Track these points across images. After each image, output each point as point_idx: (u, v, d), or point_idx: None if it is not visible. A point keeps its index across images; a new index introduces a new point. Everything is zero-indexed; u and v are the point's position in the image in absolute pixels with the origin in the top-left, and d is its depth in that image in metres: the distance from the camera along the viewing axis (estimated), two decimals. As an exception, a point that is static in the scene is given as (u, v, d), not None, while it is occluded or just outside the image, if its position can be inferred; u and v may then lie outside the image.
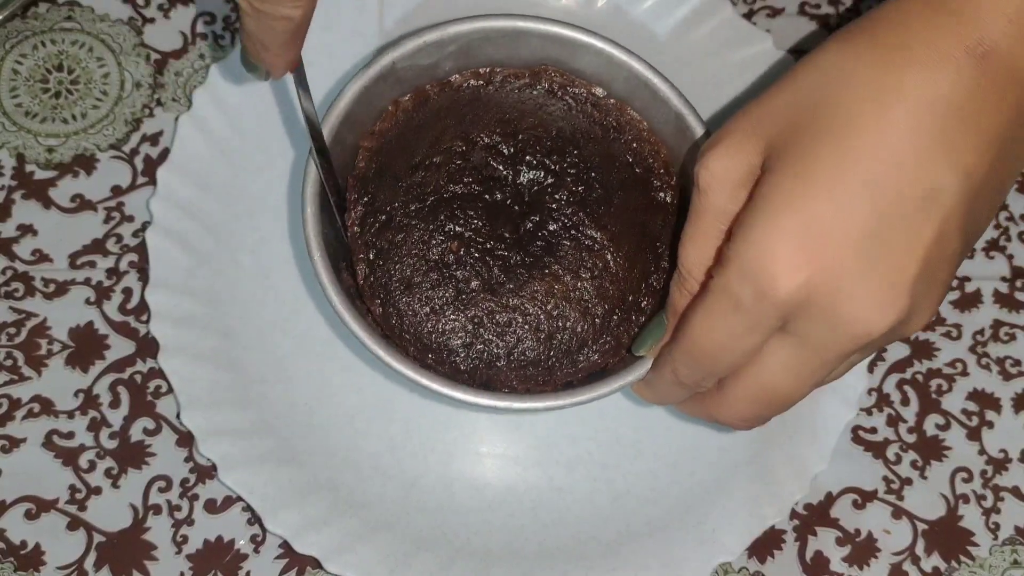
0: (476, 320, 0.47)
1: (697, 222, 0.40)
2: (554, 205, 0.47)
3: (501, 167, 0.48)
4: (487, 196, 0.47)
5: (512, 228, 0.47)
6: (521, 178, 0.48)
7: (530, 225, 0.47)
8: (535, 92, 0.49)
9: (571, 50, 0.48)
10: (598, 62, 0.48)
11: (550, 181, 0.48)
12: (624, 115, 0.49)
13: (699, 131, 0.47)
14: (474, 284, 0.47)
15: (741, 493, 0.50)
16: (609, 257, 0.47)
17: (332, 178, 0.46)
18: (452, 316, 0.46)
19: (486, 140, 0.48)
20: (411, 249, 0.47)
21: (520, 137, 0.48)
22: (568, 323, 0.47)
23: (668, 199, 0.49)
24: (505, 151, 0.48)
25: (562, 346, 0.47)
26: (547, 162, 0.48)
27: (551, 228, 0.47)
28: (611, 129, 0.49)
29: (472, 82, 0.49)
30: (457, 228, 0.47)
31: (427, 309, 0.46)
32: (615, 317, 0.47)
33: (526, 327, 0.47)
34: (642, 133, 0.49)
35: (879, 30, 0.38)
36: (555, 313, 0.47)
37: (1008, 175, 0.39)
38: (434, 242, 0.47)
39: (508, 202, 0.47)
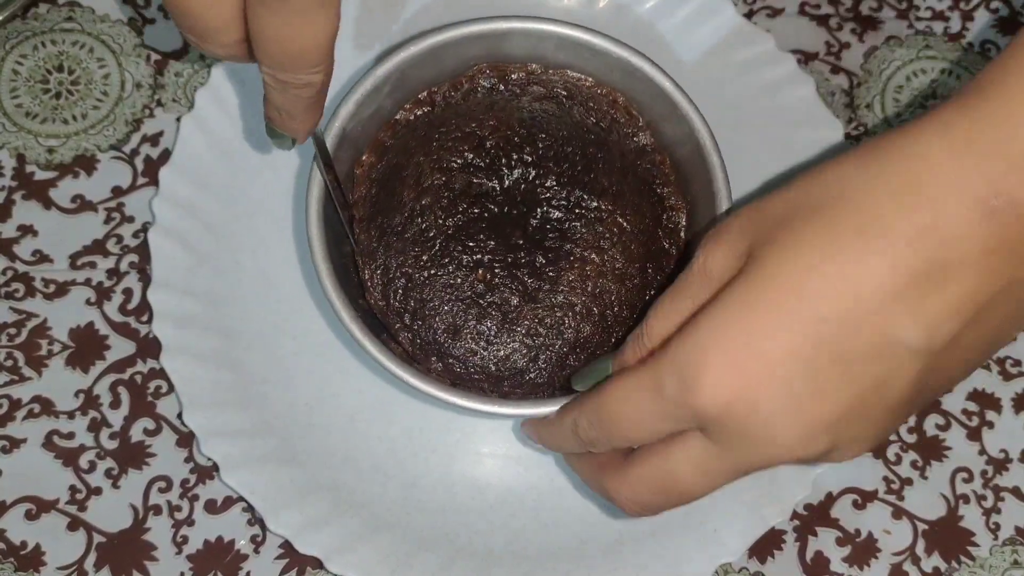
0: (532, 332, 0.47)
1: (675, 295, 0.39)
2: (548, 193, 0.48)
3: (485, 180, 0.48)
4: (485, 214, 0.47)
5: (521, 232, 0.47)
6: (506, 182, 0.48)
7: (535, 222, 0.47)
8: (478, 96, 0.49)
9: (498, 39, 0.48)
10: (525, 42, 0.49)
11: (533, 173, 0.48)
12: (566, 78, 0.49)
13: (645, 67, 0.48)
14: (514, 301, 0.47)
15: (742, 494, 0.50)
16: (620, 219, 0.47)
17: (342, 198, 0.46)
18: (509, 340, 0.47)
19: (458, 162, 0.48)
20: (443, 298, 0.47)
21: (488, 145, 0.48)
22: (612, 296, 0.47)
23: (644, 140, 0.49)
24: (481, 164, 0.48)
25: (617, 318, 0.47)
26: (524, 157, 0.48)
27: (556, 216, 0.47)
28: (563, 98, 0.49)
29: (417, 112, 0.49)
30: (474, 257, 0.47)
31: (483, 343, 0.47)
32: (648, 272, 0.48)
33: (578, 316, 0.47)
34: (591, 89, 0.49)
35: (892, 161, 0.35)
36: (597, 292, 0.47)
37: (992, 339, 0.37)
38: (460, 281, 0.47)
39: (506, 209, 0.47)
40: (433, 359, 0.47)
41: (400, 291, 0.47)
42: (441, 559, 0.49)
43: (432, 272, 0.47)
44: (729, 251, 0.38)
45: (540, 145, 0.48)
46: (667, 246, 0.48)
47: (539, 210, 0.47)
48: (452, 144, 0.48)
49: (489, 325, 0.47)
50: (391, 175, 0.48)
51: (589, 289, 0.47)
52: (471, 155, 0.48)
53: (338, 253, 0.46)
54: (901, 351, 0.35)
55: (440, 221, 0.47)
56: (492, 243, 0.47)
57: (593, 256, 0.47)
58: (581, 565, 0.49)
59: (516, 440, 0.51)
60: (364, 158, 0.48)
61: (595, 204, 0.47)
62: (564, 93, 0.49)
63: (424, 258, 0.47)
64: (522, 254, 0.47)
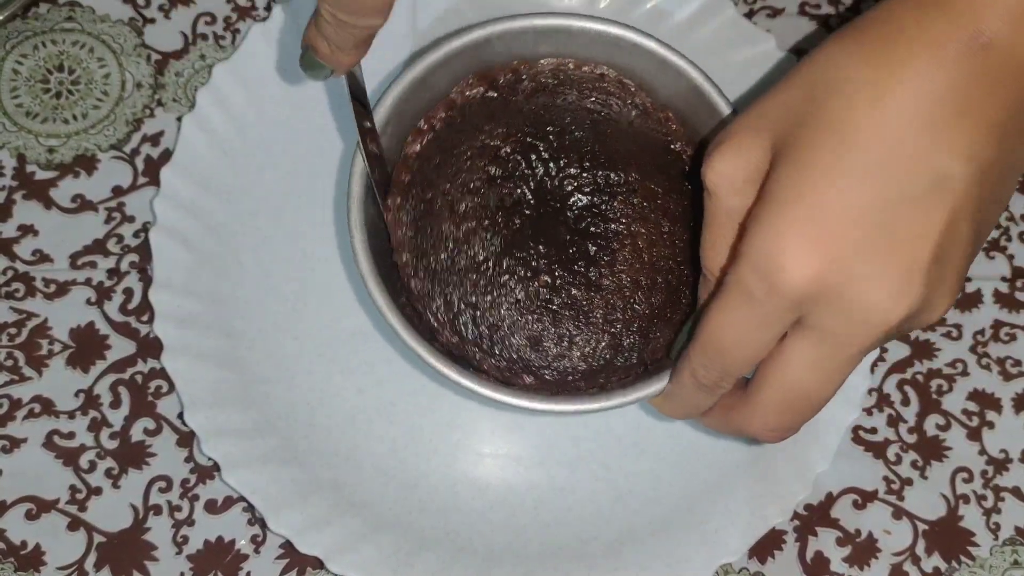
0: (608, 319, 0.46)
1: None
2: (576, 182, 0.47)
3: (514, 188, 0.47)
4: (526, 221, 0.47)
5: (565, 227, 0.47)
6: (533, 183, 0.47)
7: (573, 213, 0.47)
8: (474, 109, 0.49)
9: (478, 48, 0.48)
10: (504, 43, 0.49)
11: (555, 167, 0.47)
12: (551, 67, 0.49)
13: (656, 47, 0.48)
14: (581, 296, 0.46)
15: (743, 493, 0.50)
16: (650, 185, 0.47)
17: (382, 175, 0.46)
18: (590, 334, 0.47)
19: (483, 178, 0.47)
20: (513, 316, 0.46)
21: (504, 153, 0.47)
22: (669, 259, 0.47)
23: (642, 102, 0.49)
24: (505, 173, 0.47)
25: (681, 278, 0.47)
26: (541, 154, 0.47)
27: (591, 201, 0.47)
28: (554, 86, 0.49)
29: (422, 141, 0.49)
30: (530, 266, 0.46)
31: (566, 344, 0.46)
32: (693, 224, 0.47)
33: (645, 290, 0.47)
34: (576, 70, 0.49)
35: (877, 26, 0.38)
36: (654, 260, 0.47)
37: (1012, 167, 0.39)
38: (524, 294, 0.46)
39: (543, 211, 0.47)
40: (525, 376, 0.46)
41: (470, 322, 0.46)
42: (442, 558, 0.49)
43: (495, 294, 0.46)
44: (747, 155, 0.39)
45: (552, 138, 0.48)
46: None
47: (573, 200, 0.47)
48: (470, 163, 0.47)
49: (567, 326, 0.46)
50: (423, 213, 0.47)
51: (646, 260, 0.47)
52: (493, 168, 0.47)
53: (379, 251, 0.46)
54: (955, 185, 0.36)
55: (487, 242, 0.47)
56: (542, 247, 0.46)
57: (639, 228, 0.47)
58: (582, 564, 0.49)
59: (517, 440, 0.51)
60: (390, 201, 0.48)
61: (622, 178, 0.47)
62: (554, 82, 0.49)
63: (483, 283, 0.46)
64: (573, 249, 0.46)
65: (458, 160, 0.47)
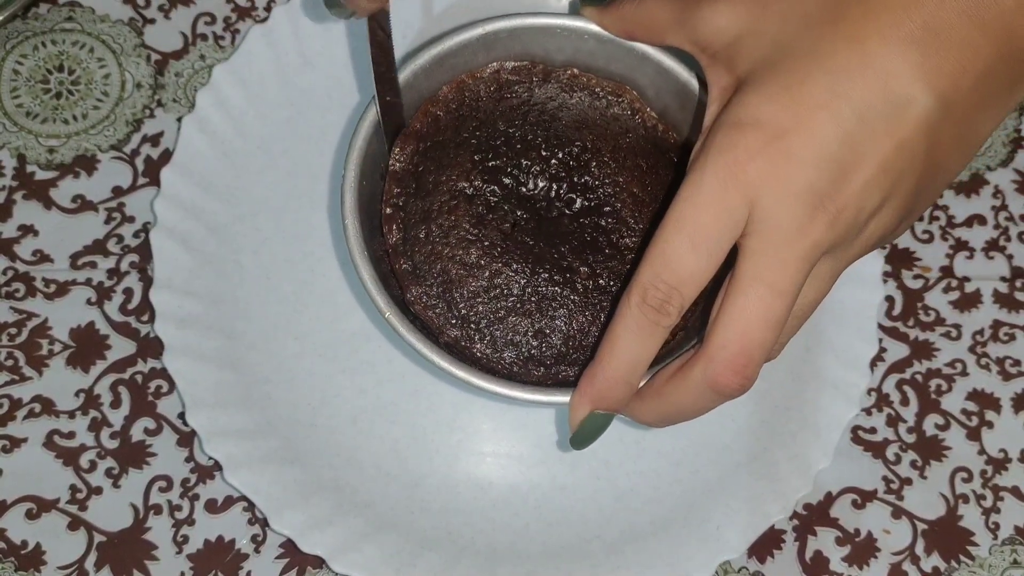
0: (607, 312, 0.46)
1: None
2: (570, 180, 0.47)
3: (511, 211, 0.47)
4: (521, 218, 0.47)
5: (562, 222, 0.47)
6: (536, 179, 0.47)
7: (571, 209, 0.47)
8: (446, 122, 0.48)
9: (452, 55, 0.48)
10: (475, 52, 0.48)
11: (549, 174, 0.48)
12: (513, 68, 0.49)
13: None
14: (572, 286, 0.46)
15: (744, 491, 0.50)
16: (633, 187, 0.47)
17: (396, 124, 0.46)
18: (591, 329, 0.47)
19: (480, 203, 0.47)
20: (512, 313, 0.46)
21: (494, 165, 0.47)
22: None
23: (606, 87, 0.49)
24: (498, 189, 0.47)
25: None
26: (533, 166, 0.48)
27: (585, 198, 0.47)
28: (517, 88, 0.49)
29: (409, 158, 0.48)
30: (528, 261, 0.46)
31: (564, 338, 0.46)
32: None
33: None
34: (534, 69, 0.49)
35: None
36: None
37: (985, 117, 0.38)
38: (523, 293, 0.46)
39: (540, 206, 0.47)
40: (533, 371, 0.46)
41: (488, 337, 0.47)
42: (445, 558, 0.49)
43: (493, 290, 0.46)
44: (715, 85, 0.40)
45: (548, 138, 0.48)
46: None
47: (568, 197, 0.47)
48: (465, 162, 0.47)
49: (564, 320, 0.46)
50: (419, 243, 0.47)
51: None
52: (487, 164, 0.47)
53: (373, 249, 0.46)
54: (915, 111, 0.36)
55: (483, 237, 0.46)
56: (540, 243, 0.46)
57: (634, 223, 0.47)
58: (584, 563, 0.49)
59: (519, 439, 0.52)
60: (385, 191, 0.48)
61: (615, 176, 0.47)
62: (556, 85, 0.49)
63: (481, 279, 0.46)
64: (568, 245, 0.46)
65: (452, 156, 0.48)
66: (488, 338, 0.46)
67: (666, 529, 0.50)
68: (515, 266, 0.46)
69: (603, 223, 0.47)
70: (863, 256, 0.40)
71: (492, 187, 0.47)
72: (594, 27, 0.47)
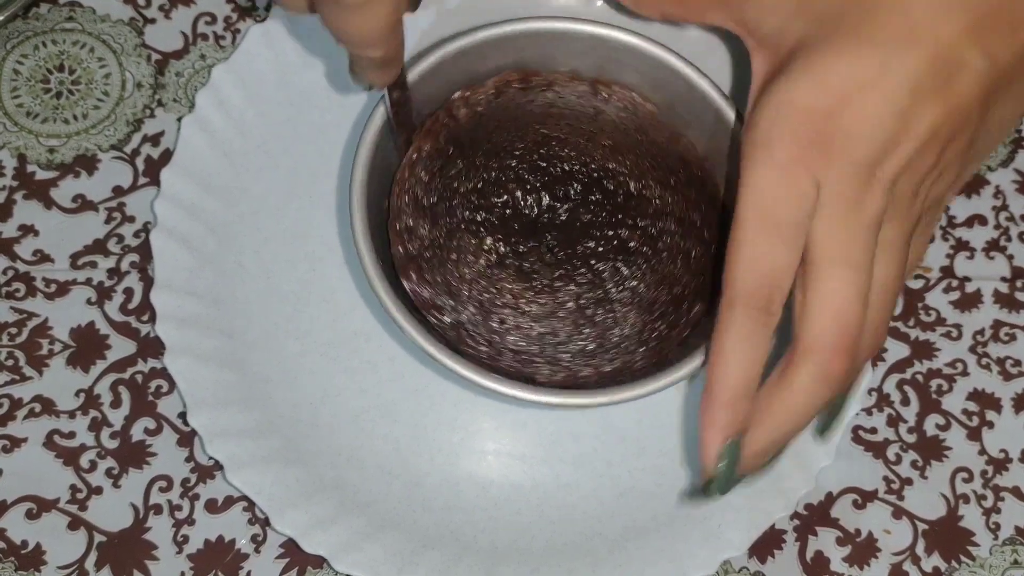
0: (617, 316, 0.47)
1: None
2: (583, 184, 0.47)
3: (523, 242, 0.47)
4: (532, 222, 0.47)
5: (574, 227, 0.47)
6: (548, 184, 0.47)
7: (582, 215, 0.47)
8: (445, 137, 0.48)
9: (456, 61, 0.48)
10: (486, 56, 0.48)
11: (576, 175, 0.48)
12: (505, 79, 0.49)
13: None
14: (583, 291, 0.46)
15: (746, 488, 0.50)
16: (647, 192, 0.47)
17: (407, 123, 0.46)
18: (600, 332, 0.47)
19: (496, 223, 0.47)
20: (519, 315, 0.47)
21: (510, 185, 0.47)
22: (679, 260, 0.47)
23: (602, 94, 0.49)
24: (526, 172, 0.47)
25: (679, 285, 0.47)
26: (538, 182, 0.48)
27: (597, 203, 0.47)
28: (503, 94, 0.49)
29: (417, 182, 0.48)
30: (538, 264, 0.46)
31: (574, 341, 0.47)
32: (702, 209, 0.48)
33: (658, 280, 0.47)
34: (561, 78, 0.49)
35: None
36: (667, 264, 0.47)
37: (1021, 90, 0.39)
38: (527, 295, 0.46)
39: (551, 213, 0.47)
40: (539, 369, 0.47)
41: (493, 337, 0.47)
42: (447, 557, 0.49)
43: (500, 292, 0.46)
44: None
45: (560, 145, 0.48)
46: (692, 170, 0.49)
47: (581, 202, 0.47)
48: (477, 168, 0.47)
49: (576, 325, 0.46)
50: (427, 244, 0.47)
51: (654, 261, 0.47)
52: (500, 173, 0.47)
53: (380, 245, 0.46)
54: (965, 73, 0.36)
55: (494, 241, 0.47)
56: (552, 249, 0.47)
57: (649, 228, 0.47)
58: (586, 561, 0.49)
59: (520, 438, 0.52)
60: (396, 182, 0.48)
61: (630, 182, 0.47)
62: (566, 90, 0.49)
63: (488, 280, 0.46)
64: (581, 248, 0.47)
65: (465, 163, 0.47)
66: (493, 338, 0.46)
67: (668, 526, 0.50)
68: (522, 267, 0.46)
69: (620, 239, 0.47)
70: (933, 216, 0.41)
71: (502, 193, 0.47)
72: (604, 31, 0.47)
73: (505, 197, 0.47)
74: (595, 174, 0.48)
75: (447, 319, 0.46)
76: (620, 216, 0.47)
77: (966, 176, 0.41)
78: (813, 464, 0.50)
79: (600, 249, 0.47)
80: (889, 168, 0.37)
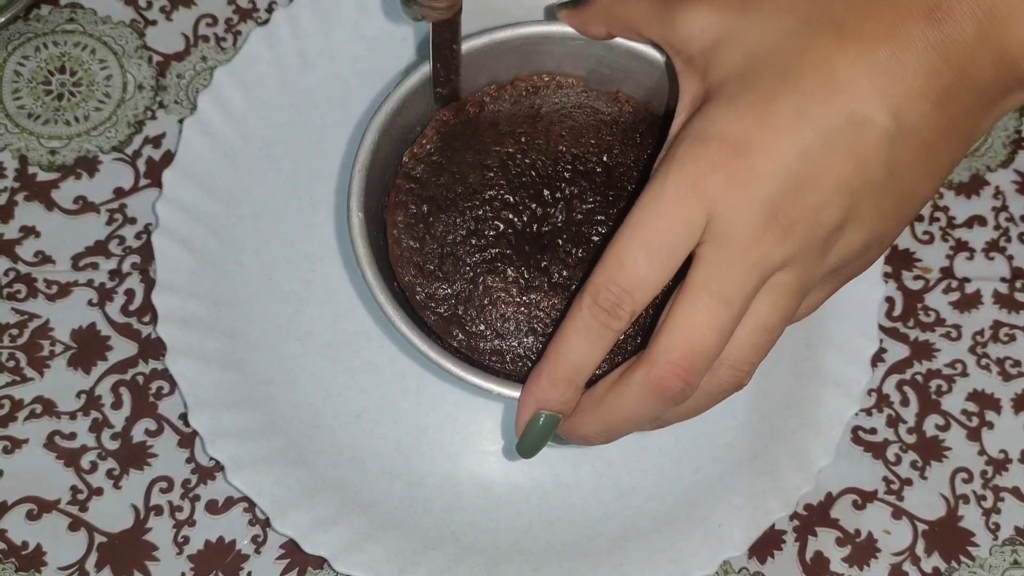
0: None
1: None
2: (580, 187, 0.47)
3: (524, 197, 0.47)
4: (528, 225, 0.47)
5: (569, 229, 0.47)
6: (547, 185, 0.47)
7: (578, 216, 0.47)
8: (434, 147, 0.48)
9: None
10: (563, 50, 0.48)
11: (576, 179, 0.48)
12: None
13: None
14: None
15: (746, 487, 0.50)
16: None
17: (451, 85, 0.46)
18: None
19: (495, 228, 0.47)
20: (517, 316, 0.46)
21: (507, 196, 0.47)
22: None
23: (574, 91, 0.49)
24: (524, 174, 0.47)
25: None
26: (546, 192, 0.48)
27: (593, 204, 0.47)
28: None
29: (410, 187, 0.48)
30: (537, 264, 0.46)
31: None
32: None
33: None
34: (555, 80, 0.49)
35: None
36: None
37: (948, 144, 0.39)
38: (526, 297, 0.46)
39: (548, 216, 0.47)
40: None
41: (492, 338, 0.46)
42: (448, 557, 0.49)
43: (496, 294, 0.46)
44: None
45: (561, 146, 0.48)
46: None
47: (576, 205, 0.47)
48: (476, 171, 0.47)
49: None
50: (428, 247, 0.47)
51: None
52: (499, 174, 0.47)
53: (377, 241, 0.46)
54: (871, 129, 0.37)
55: (492, 242, 0.46)
56: (546, 249, 0.47)
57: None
58: (587, 561, 0.49)
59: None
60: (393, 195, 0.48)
61: (620, 182, 0.47)
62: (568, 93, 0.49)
63: (487, 283, 0.46)
64: (577, 251, 0.47)
65: (447, 215, 0.47)
66: (492, 339, 0.46)
67: (669, 526, 0.50)
68: (522, 270, 0.46)
69: (601, 245, 0.47)
70: (840, 281, 0.41)
71: (498, 224, 0.47)
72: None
73: (501, 227, 0.47)
74: (569, 165, 0.48)
75: (446, 320, 0.46)
76: (611, 193, 0.47)
77: (883, 246, 0.40)
78: (812, 463, 0.50)
79: (604, 232, 0.47)
80: (792, 213, 0.37)
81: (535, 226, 0.47)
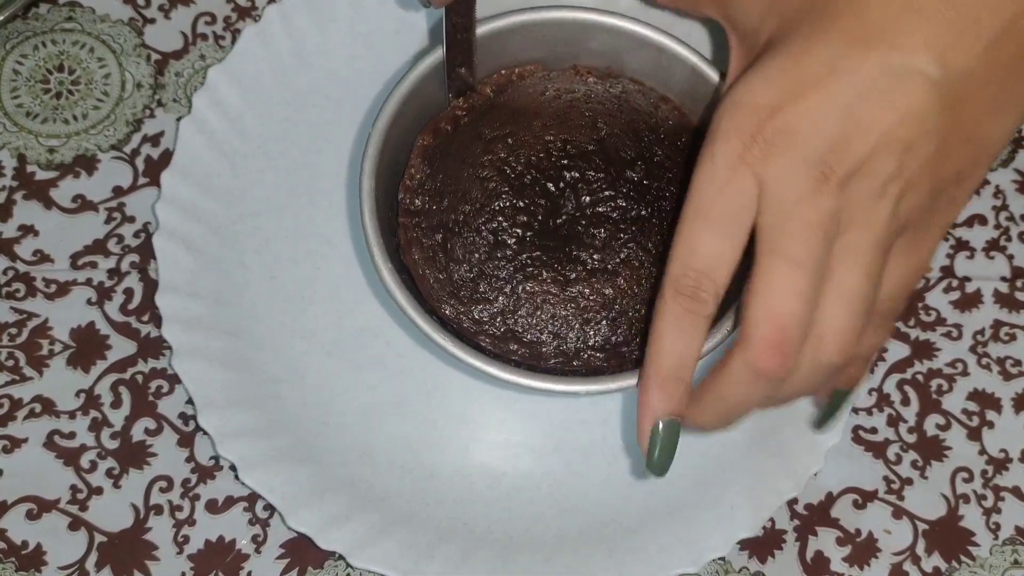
0: (623, 302, 0.47)
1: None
2: (592, 173, 0.47)
3: (538, 183, 0.47)
4: (540, 211, 0.47)
5: (581, 216, 0.47)
6: (560, 173, 0.47)
7: (589, 203, 0.47)
8: (444, 136, 0.48)
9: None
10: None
11: (588, 165, 0.48)
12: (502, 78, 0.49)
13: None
14: (591, 279, 0.46)
15: (757, 469, 0.50)
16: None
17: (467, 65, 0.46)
18: (606, 319, 0.47)
19: (505, 217, 0.47)
20: (530, 302, 0.46)
21: (524, 178, 0.47)
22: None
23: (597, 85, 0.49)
24: (523, 201, 0.47)
25: None
26: (562, 172, 0.48)
27: (606, 192, 0.47)
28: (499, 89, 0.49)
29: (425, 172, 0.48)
30: (549, 252, 0.46)
31: (582, 328, 0.47)
32: None
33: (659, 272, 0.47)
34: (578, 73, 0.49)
35: None
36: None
37: (1015, 80, 0.38)
38: (540, 282, 0.46)
39: (561, 202, 0.47)
40: (546, 357, 0.47)
41: (502, 327, 0.47)
42: (461, 549, 0.49)
43: (511, 280, 0.46)
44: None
45: (573, 133, 0.48)
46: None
47: (588, 191, 0.47)
48: (490, 155, 0.47)
49: (583, 311, 0.47)
50: (437, 236, 0.47)
51: (656, 251, 0.47)
52: (511, 161, 0.47)
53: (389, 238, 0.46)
54: (916, 79, 0.36)
55: (504, 229, 0.46)
56: (556, 236, 0.47)
57: (652, 218, 0.47)
58: (601, 548, 0.49)
59: (529, 428, 0.52)
60: (406, 181, 0.48)
61: (636, 168, 0.47)
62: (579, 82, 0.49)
63: (499, 269, 0.46)
64: (588, 237, 0.47)
65: (462, 183, 0.47)
66: (551, 343, 0.46)
67: (681, 510, 0.50)
68: (556, 267, 0.46)
69: (620, 220, 0.47)
70: (936, 233, 0.40)
71: (512, 199, 0.47)
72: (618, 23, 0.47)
73: (520, 232, 0.47)
74: (562, 152, 0.47)
75: (455, 308, 0.46)
76: (611, 168, 0.47)
77: (955, 192, 0.40)
78: (821, 443, 0.50)
79: (612, 240, 0.47)
80: (839, 168, 0.37)
81: (551, 221, 0.47)
